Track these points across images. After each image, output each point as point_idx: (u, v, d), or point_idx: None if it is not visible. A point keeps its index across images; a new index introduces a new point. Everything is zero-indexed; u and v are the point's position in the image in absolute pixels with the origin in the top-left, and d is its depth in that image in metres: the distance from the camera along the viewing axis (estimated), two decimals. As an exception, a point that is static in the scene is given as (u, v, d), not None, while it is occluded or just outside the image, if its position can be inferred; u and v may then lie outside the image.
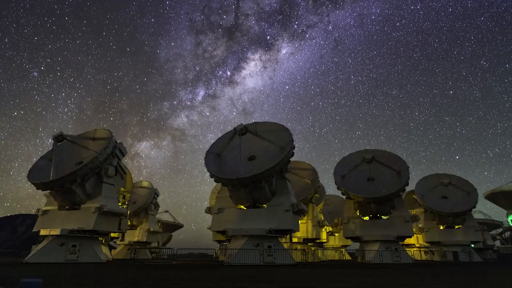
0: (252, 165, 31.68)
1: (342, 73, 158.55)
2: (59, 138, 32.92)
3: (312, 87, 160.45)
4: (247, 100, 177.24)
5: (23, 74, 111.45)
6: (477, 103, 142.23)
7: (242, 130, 31.94)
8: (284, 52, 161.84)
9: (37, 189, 30.97)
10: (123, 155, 35.81)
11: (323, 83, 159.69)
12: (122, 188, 40.61)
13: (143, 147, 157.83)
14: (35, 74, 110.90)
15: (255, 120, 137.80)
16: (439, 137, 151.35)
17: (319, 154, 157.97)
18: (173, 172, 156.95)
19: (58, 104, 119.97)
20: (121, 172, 36.14)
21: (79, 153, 34.41)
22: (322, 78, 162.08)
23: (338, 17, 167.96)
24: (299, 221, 37.10)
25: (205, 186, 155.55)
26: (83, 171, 31.38)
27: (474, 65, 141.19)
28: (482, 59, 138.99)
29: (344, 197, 43.64)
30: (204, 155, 33.20)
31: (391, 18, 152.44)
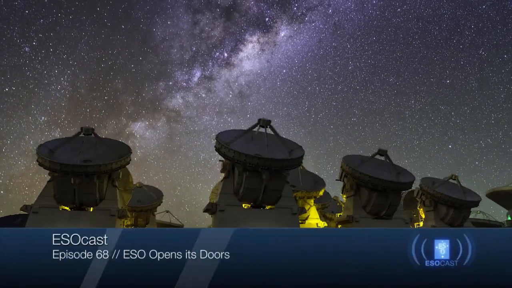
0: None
1: (340, 58, 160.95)
2: (88, 131, 32.66)
3: (310, 71, 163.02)
4: (243, 83, 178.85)
5: (14, 49, 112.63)
6: (473, 93, 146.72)
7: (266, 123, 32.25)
8: (282, 35, 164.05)
9: (54, 171, 27.98)
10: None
11: (321, 68, 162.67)
12: (121, 188, 40.51)
13: (138, 127, 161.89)
14: (27, 49, 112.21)
15: (251, 103, 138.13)
16: (433, 126, 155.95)
17: (314, 139, 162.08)
18: (167, 153, 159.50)
19: (51, 81, 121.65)
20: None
21: (85, 152, 33.76)
22: (320, 63, 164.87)
23: (338, 0, 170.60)
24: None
25: (199, 168, 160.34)
26: (94, 169, 30.48)
27: (472, 55, 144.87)
28: (480, 49, 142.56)
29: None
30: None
31: (392, 3, 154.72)
